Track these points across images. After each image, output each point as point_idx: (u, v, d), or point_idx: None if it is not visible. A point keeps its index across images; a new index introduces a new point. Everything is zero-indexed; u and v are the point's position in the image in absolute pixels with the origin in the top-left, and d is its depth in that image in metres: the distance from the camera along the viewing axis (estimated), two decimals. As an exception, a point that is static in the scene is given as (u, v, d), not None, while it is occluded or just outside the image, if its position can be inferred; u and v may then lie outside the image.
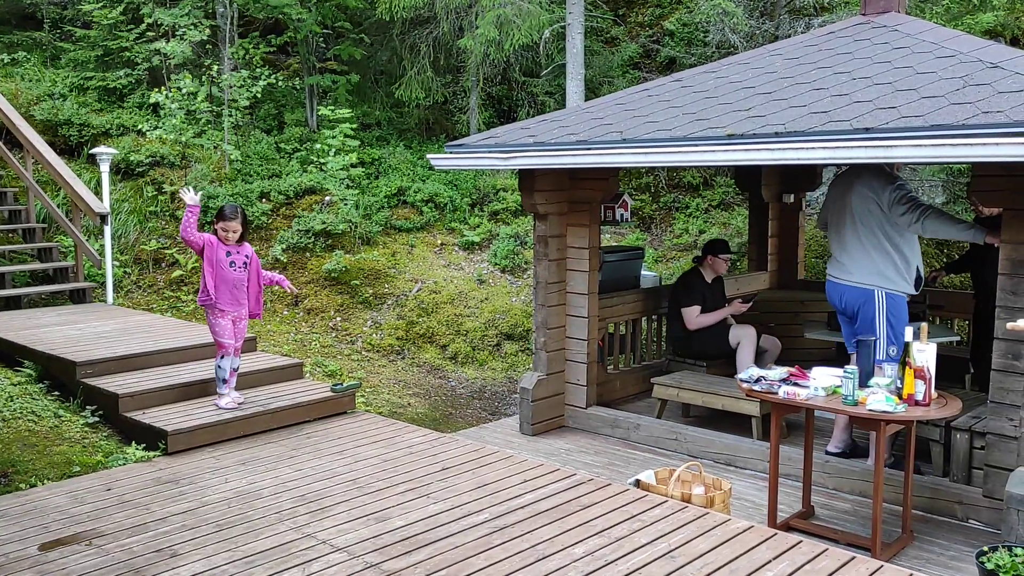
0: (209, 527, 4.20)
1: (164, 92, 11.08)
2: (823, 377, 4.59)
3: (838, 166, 10.58)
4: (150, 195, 10.56)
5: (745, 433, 6.02)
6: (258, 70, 11.77)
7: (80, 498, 4.60)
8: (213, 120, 11.46)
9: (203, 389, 6.12)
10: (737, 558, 3.81)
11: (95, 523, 4.26)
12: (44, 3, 13.50)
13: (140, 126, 11.18)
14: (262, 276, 5.96)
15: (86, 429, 5.72)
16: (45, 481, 4.95)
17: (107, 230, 8.79)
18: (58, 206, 9.37)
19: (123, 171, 10.72)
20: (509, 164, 5.98)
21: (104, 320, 7.73)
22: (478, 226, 11.23)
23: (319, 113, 11.82)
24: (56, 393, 6.20)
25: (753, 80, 5.71)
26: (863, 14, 6.30)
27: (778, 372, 4.77)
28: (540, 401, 6.50)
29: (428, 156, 6.70)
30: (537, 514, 4.33)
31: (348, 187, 10.73)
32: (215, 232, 5.71)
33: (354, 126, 11.15)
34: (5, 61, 12.41)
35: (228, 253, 5.72)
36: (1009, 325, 4.13)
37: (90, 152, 10.12)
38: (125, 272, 9.65)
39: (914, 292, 5.28)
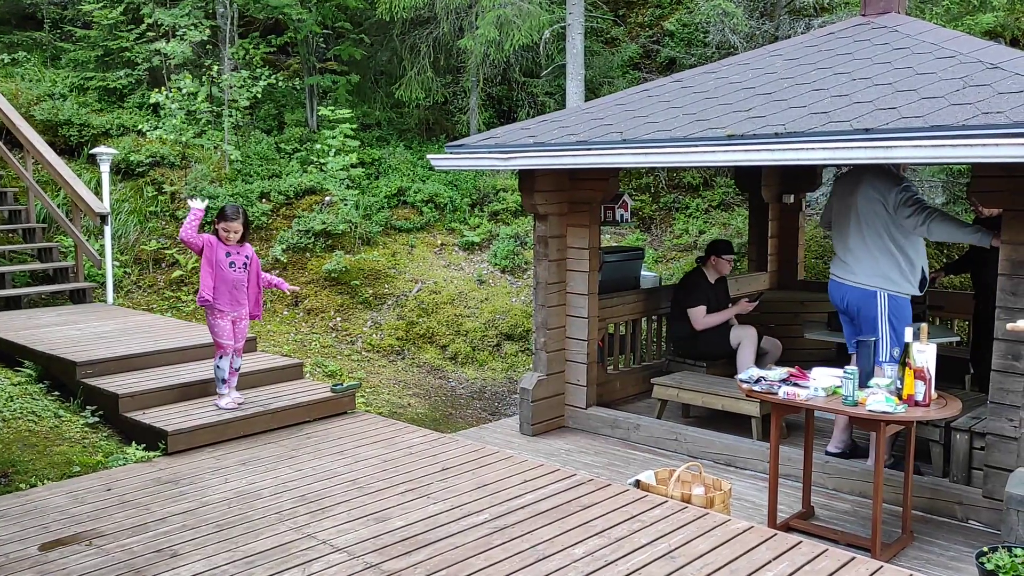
0: (209, 527, 4.20)
1: (164, 92, 11.08)
2: (823, 378, 4.59)
3: (838, 166, 10.59)
4: (150, 195, 10.57)
5: (745, 433, 6.03)
6: (258, 70, 11.77)
7: (80, 498, 4.60)
8: (213, 120, 11.46)
9: (203, 389, 6.12)
10: (737, 558, 3.81)
11: (95, 523, 4.26)
12: (44, 3, 13.50)
13: (140, 126, 11.19)
14: (262, 278, 5.96)
15: (86, 429, 5.72)
16: (45, 481, 4.95)
17: (107, 230, 8.80)
18: (58, 206, 9.37)
19: (123, 171, 10.72)
20: (509, 164, 5.98)
21: (104, 320, 7.73)
22: (478, 226, 11.23)
23: (319, 113, 11.82)
24: (56, 393, 6.20)
25: (753, 81, 5.71)
26: (863, 15, 6.30)
27: (778, 373, 4.77)
28: (540, 401, 6.50)
29: (428, 156, 6.70)
30: (537, 514, 4.33)
31: (348, 187, 10.73)
32: (216, 232, 5.70)
33: (354, 126, 11.15)
34: (5, 61, 12.42)
35: (228, 254, 5.72)
36: (1009, 326, 4.13)
37: (90, 152, 10.12)
38: (125, 272, 9.65)
39: (918, 293, 5.26)
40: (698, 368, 7.00)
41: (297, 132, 12.25)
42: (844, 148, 4.38)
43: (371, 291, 10.05)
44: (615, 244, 10.72)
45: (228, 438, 5.62)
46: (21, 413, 5.74)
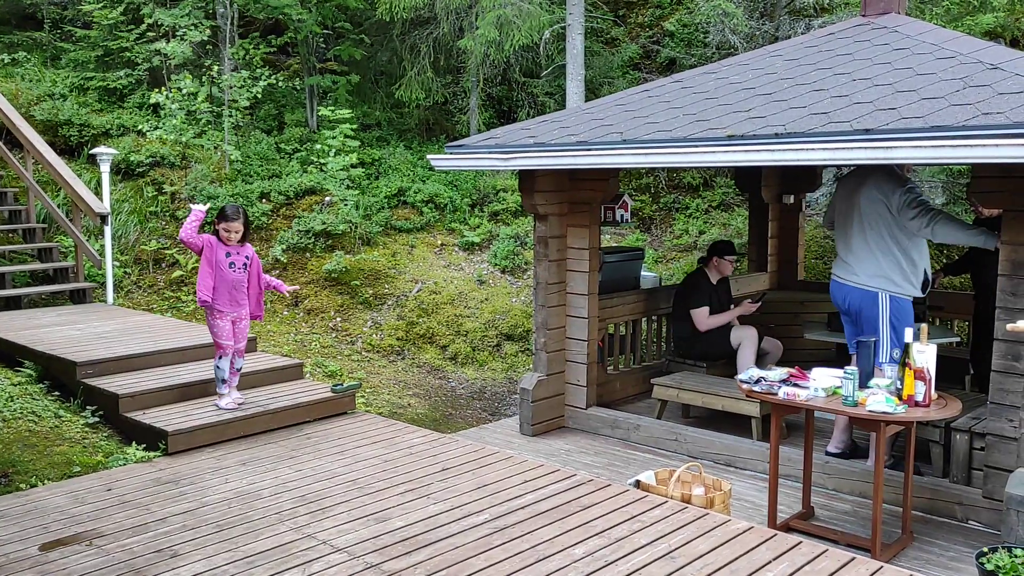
0: (209, 527, 4.20)
1: (164, 92, 11.09)
2: (823, 378, 4.59)
3: (839, 167, 10.59)
4: (150, 195, 10.57)
5: (745, 434, 6.03)
6: (258, 70, 11.77)
7: (80, 498, 4.60)
8: (213, 120, 11.47)
9: (203, 389, 6.13)
10: (737, 559, 3.81)
11: (95, 523, 4.26)
12: (44, 3, 13.51)
13: (140, 126, 11.19)
14: (262, 279, 5.96)
15: (86, 429, 5.72)
16: (45, 481, 4.95)
17: (107, 230, 8.80)
18: (58, 206, 9.38)
19: (123, 171, 10.72)
20: (509, 165, 5.98)
21: (104, 320, 7.73)
22: (478, 227, 11.23)
23: (319, 113, 11.82)
24: (56, 393, 6.20)
25: (753, 81, 5.71)
26: (863, 15, 6.30)
27: (778, 373, 4.77)
28: (540, 402, 6.50)
29: (428, 157, 6.70)
30: (537, 514, 4.33)
31: (348, 187, 10.73)
32: (216, 233, 5.70)
33: (354, 126, 11.15)
34: (5, 61, 12.42)
35: (228, 254, 5.71)
36: (1009, 326, 4.13)
37: (90, 152, 10.12)
38: (125, 272, 9.65)
39: (920, 295, 5.25)
40: (698, 368, 7.00)
41: (297, 132, 12.25)
42: (844, 149, 4.38)
43: (371, 291, 10.05)
44: (615, 244, 10.72)
45: (228, 438, 5.62)
46: (21, 413, 5.74)
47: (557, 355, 6.57)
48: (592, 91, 12.12)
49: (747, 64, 6.16)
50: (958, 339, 6.72)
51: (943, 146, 4.06)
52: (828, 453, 5.54)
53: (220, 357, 5.82)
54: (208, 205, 5.79)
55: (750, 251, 8.64)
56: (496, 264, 10.68)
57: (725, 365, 6.98)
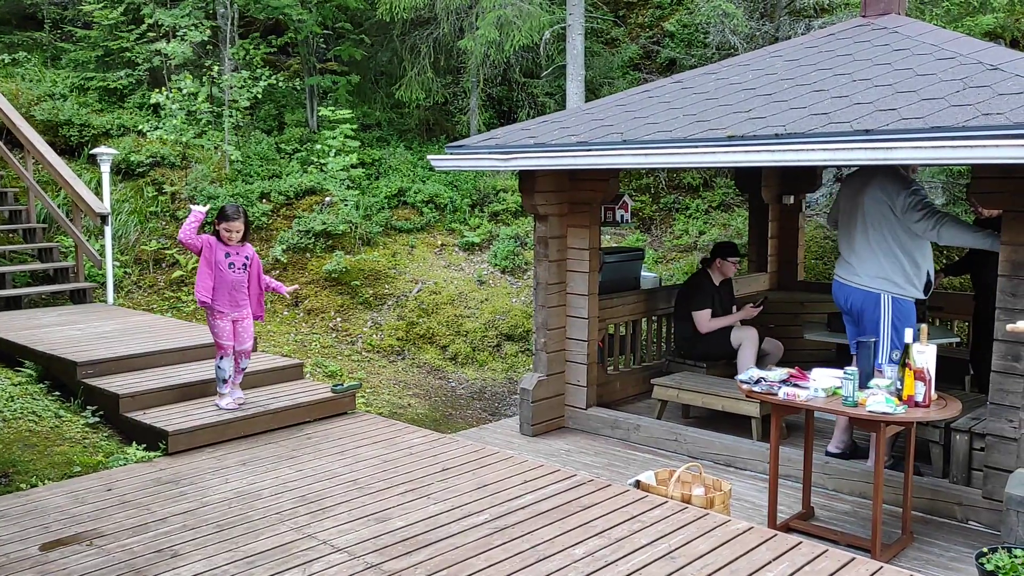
0: (210, 527, 4.20)
1: (165, 93, 11.09)
2: (823, 378, 4.59)
3: (839, 167, 10.58)
4: (150, 195, 10.57)
5: (745, 434, 6.03)
6: (258, 71, 11.77)
7: (81, 498, 4.61)
8: (213, 121, 11.47)
9: (203, 389, 6.13)
10: (737, 559, 3.81)
11: (96, 523, 4.26)
12: (45, 3, 13.51)
13: (141, 126, 11.19)
14: (263, 280, 5.95)
15: (86, 429, 5.72)
16: (46, 481, 4.96)
17: (107, 230, 8.80)
18: (58, 206, 9.38)
19: (123, 171, 10.73)
20: (509, 165, 5.98)
21: (104, 320, 7.74)
22: (478, 227, 11.24)
23: (319, 114, 11.83)
24: (57, 393, 6.20)
25: (753, 82, 5.72)
26: (863, 16, 6.31)
27: (778, 373, 4.77)
28: (540, 402, 6.51)
29: (428, 157, 6.71)
30: (537, 515, 4.33)
31: (348, 188, 10.74)
32: (216, 233, 5.69)
33: (354, 127, 11.16)
34: (6, 61, 12.42)
35: (227, 255, 5.70)
36: (1009, 327, 4.14)
37: (90, 152, 10.13)
38: (125, 272, 9.65)
39: (923, 297, 5.24)
40: (698, 369, 7.00)
41: (297, 132, 12.25)
42: (844, 149, 4.39)
43: (371, 291, 10.05)
44: (615, 245, 10.73)
45: (228, 438, 5.62)
46: (22, 413, 5.74)
47: (557, 355, 6.57)
48: (592, 91, 12.12)
49: (747, 65, 6.16)
50: (958, 339, 6.72)
51: (943, 147, 4.07)
52: (828, 453, 5.54)
53: (221, 357, 5.82)
54: (208, 206, 5.78)
55: (750, 251, 8.64)
56: (496, 264, 10.68)
57: (725, 365, 6.98)
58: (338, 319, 9.71)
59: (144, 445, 5.43)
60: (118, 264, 9.50)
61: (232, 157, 11.05)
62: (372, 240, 10.67)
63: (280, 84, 12.07)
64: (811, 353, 7.65)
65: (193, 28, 11.49)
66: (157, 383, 6.05)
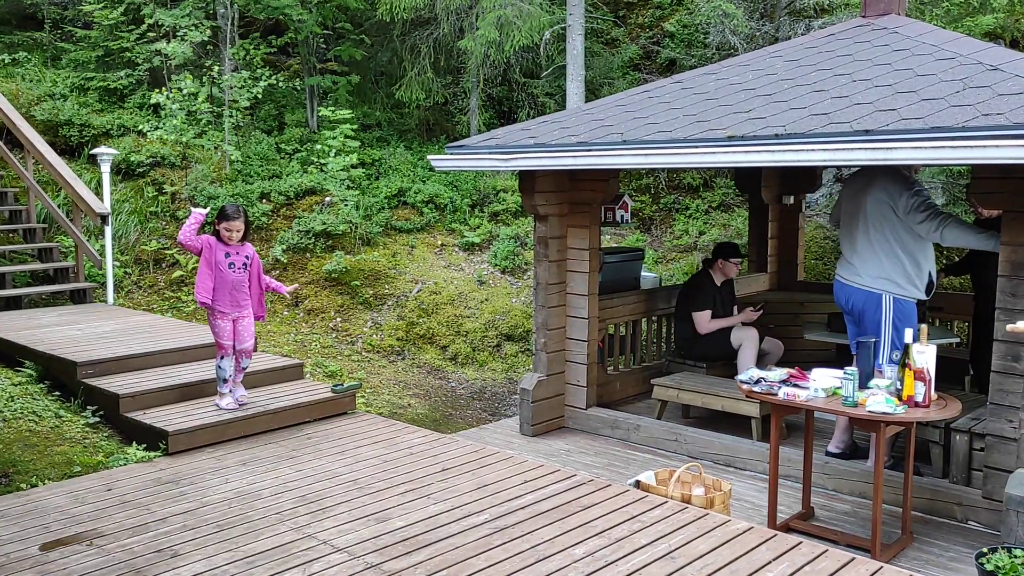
0: (210, 527, 4.20)
1: (165, 93, 11.09)
2: (823, 378, 4.59)
3: (839, 168, 10.58)
4: (151, 195, 10.58)
5: (745, 434, 6.03)
6: (259, 71, 11.78)
7: (81, 498, 4.61)
8: (214, 121, 11.47)
9: (203, 389, 6.13)
10: (737, 559, 3.82)
11: (96, 523, 4.26)
12: (45, 3, 13.51)
13: (141, 127, 11.20)
14: (263, 280, 5.94)
15: (87, 429, 5.72)
16: (46, 481, 4.96)
17: (107, 230, 8.80)
18: (59, 206, 9.38)
19: (124, 171, 10.73)
20: (509, 165, 5.99)
21: (105, 320, 7.74)
22: (478, 227, 11.24)
23: (319, 114, 11.83)
24: (57, 393, 6.20)
25: (753, 82, 5.72)
26: (863, 16, 6.31)
27: (778, 373, 4.78)
28: (540, 402, 6.51)
29: (428, 157, 6.71)
30: (537, 515, 4.33)
31: (348, 188, 10.74)
32: (216, 232, 5.68)
33: (354, 127, 11.16)
34: (6, 61, 12.43)
35: (227, 254, 5.69)
36: (1009, 327, 4.14)
37: (91, 152, 10.13)
38: (125, 272, 9.65)
39: (924, 298, 5.23)
40: (698, 369, 7.00)
41: (297, 132, 12.26)
42: (844, 150, 4.39)
43: (371, 291, 10.05)
44: (615, 245, 10.73)
45: (228, 438, 5.63)
46: (22, 413, 5.74)
47: (557, 355, 6.57)
48: (592, 92, 12.13)
49: (747, 65, 6.17)
50: (958, 340, 6.72)
51: (943, 147, 4.07)
52: (828, 453, 5.54)
53: (221, 357, 5.82)
54: (208, 208, 5.77)
55: (750, 252, 8.65)
56: (496, 264, 10.69)
57: (725, 366, 6.98)
58: (338, 319, 9.71)
59: (144, 445, 5.43)
60: (118, 264, 9.51)
61: (232, 157, 11.05)
62: (372, 240, 10.67)
63: (280, 84, 12.08)
64: (811, 353, 7.66)
65: (193, 28, 11.49)
66: (157, 383, 6.05)
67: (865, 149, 4.31)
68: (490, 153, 6.07)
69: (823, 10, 11.51)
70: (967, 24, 10.03)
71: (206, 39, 11.62)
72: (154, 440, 5.43)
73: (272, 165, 11.46)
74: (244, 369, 5.98)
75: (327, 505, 4.48)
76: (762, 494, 5.20)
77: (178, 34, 11.71)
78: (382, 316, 9.84)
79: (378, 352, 9.37)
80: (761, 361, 6.80)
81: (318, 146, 11.18)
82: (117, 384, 5.97)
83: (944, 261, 9.40)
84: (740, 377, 4.91)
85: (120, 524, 4.24)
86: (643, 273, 7.87)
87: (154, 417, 5.63)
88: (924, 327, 4.39)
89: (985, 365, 5.13)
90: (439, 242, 11.10)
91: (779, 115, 4.95)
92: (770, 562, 3.79)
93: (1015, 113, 3.99)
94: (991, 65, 4.75)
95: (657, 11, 14.12)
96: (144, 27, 11.99)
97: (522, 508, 4.42)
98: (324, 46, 13.08)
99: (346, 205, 10.48)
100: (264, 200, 10.83)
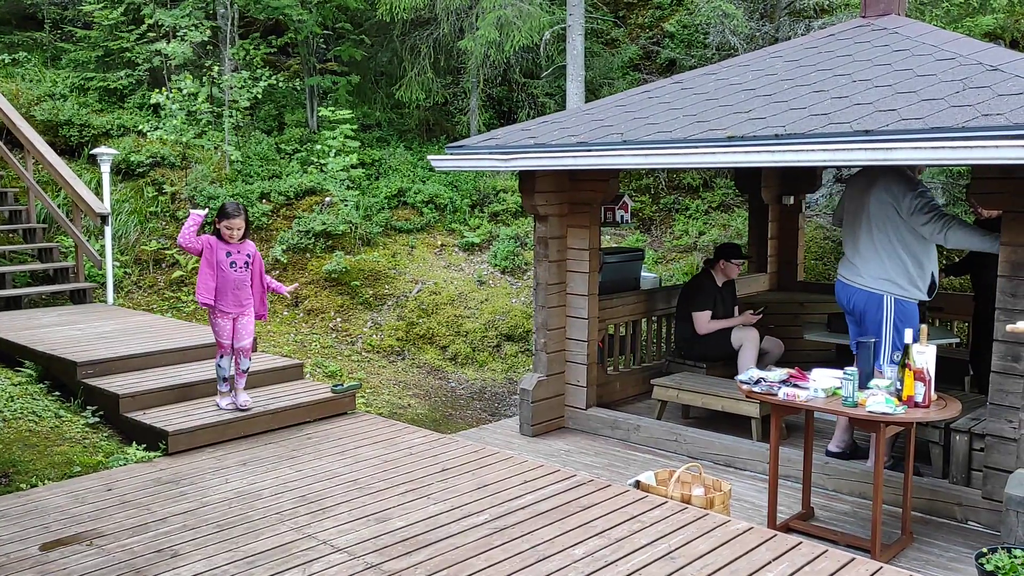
0: (210, 527, 4.20)
1: (165, 93, 11.09)
2: (823, 379, 4.59)
3: (839, 168, 10.58)
4: (150, 196, 10.58)
5: (745, 434, 6.03)
6: (259, 71, 11.78)
7: (81, 498, 4.61)
8: (214, 121, 11.47)
9: (203, 389, 6.13)
10: (737, 559, 3.82)
11: (96, 523, 4.26)
12: (45, 3, 13.51)
13: (141, 127, 11.20)
14: (265, 279, 5.93)
15: (87, 429, 5.72)
16: (46, 481, 4.96)
17: (107, 230, 8.80)
18: (59, 206, 9.38)
19: (124, 172, 10.73)
20: (509, 165, 5.99)
21: (104, 320, 7.74)
22: (478, 227, 11.24)
23: (319, 114, 11.83)
24: (57, 393, 6.20)
25: (753, 82, 5.72)
26: (863, 16, 6.31)
27: (778, 374, 4.78)
28: (540, 402, 6.51)
29: (428, 157, 6.71)
30: (537, 515, 4.33)
31: (348, 188, 10.74)
32: (217, 232, 5.66)
33: (354, 127, 11.16)
34: (6, 61, 12.43)
35: (228, 253, 5.67)
36: (1008, 327, 4.14)
37: (91, 152, 10.13)
38: (125, 272, 9.65)
39: (926, 299, 5.23)
40: (698, 369, 7.00)
41: (297, 133, 12.26)
42: (844, 150, 4.39)
43: (371, 292, 10.05)
44: (615, 245, 10.73)
45: (228, 438, 5.63)
46: (22, 413, 5.74)
47: (557, 356, 6.58)
48: (592, 92, 12.13)
49: (747, 65, 6.17)
50: (958, 340, 6.73)
51: (943, 147, 4.07)
52: (828, 452, 5.54)
53: (220, 356, 5.81)
54: (207, 209, 5.74)
55: (750, 252, 8.65)
56: (496, 265, 10.69)
57: (725, 366, 6.98)
58: (338, 319, 9.71)
59: (144, 445, 5.43)
60: (118, 264, 9.51)
61: (232, 157, 11.05)
62: (372, 240, 10.68)
63: (280, 84, 12.08)
64: (811, 353, 7.66)
65: (193, 28, 11.50)
66: (157, 383, 6.05)
67: (865, 149, 4.31)
68: (490, 153, 6.07)
69: (823, 10, 11.52)
70: (967, 24, 10.04)
71: (206, 39, 11.62)
72: (154, 440, 5.43)
73: (272, 165, 11.46)
74: (245, 372, 5.90)
75: (327, 505, 4.48)
76: (762, 494, 5.20)
77: (178, 34, 11.71)
78: (382, 316, 9.84)
79: (378, 352, 9.37)
80: (761, 360, 6.80)
81: (318, 146, 11.18)
82: (117, 384, 5.97)
83: (944, 261, 9.41)
84: (740, 377, 4.91)
85: (120, 524, 4.25)
86: (643, 273, 7.87)
87: (154, 417, 5.63)
88: (924, 327, 4.39)
89: (985, 365, 5.13)
90: (439, 242, 11.11)
91: (779, 115, 4.96)
92: (770, 562, 3.79)
93: (1015, 113, 3.99)
94: (991, 65, 4.75)
95: (657, 11, 14.13)
96: (144, 27, 11.99)
97: (522, 508, 4.42)
98: (324, 46, 13.08)
99: (346, 205, 10.48)
100: (264, 200, 10.83)
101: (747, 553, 3.88)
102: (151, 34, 11.95)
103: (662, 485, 4.75)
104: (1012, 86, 4.38)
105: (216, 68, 11.39)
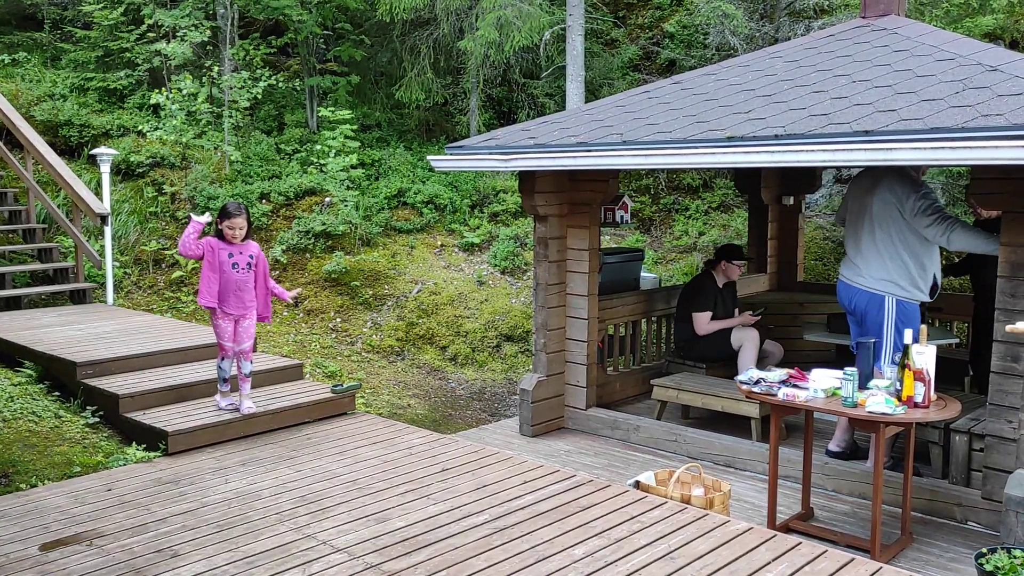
0: (209, 527, 4.20)
1: (164, 93, 11.10)
2: (822, 379, 4.59)
3: (839, 168, 10.58)
4: (150, 196, 10.58)
5: (744, 435, 6.03)
6: (258, 71, 11.78)
7: (80, 498, 4.61)
8: (213, 121, 11.47)
9: (203, 389, 6.13)
10: (737, 559, 3.82)
11: (96, 523, 4.26)
12: (45, 4, 13.51)
13: (140, 127, 11.20)
14: (269, 281, 5.89)
15: (86, 429, 5.72)
16: (45, 481, 4.96)
17: (107, 231, 8.80)
18: (58, 207, 9.38)
19: (123, 172, 10.74)
20: (509, 166, 5.99)
21: (104, 320, 7.74)
22: (478, 227, 11.24)
23: (319, 114, 11.83)
24: (56, 394, 6.20)
25: (753, 83, 5.72)
26: (863, 17, 6.31)
27: (777, 374, 4.78)
28: (540, 402, 6.51)
29: (428, 157, 6.71)
30: (537, 515, 4.33)
31: (348, 188, 10.74)
32: (219, 232, 5.64)
33: (354, 127, 11.16)
34: (6, 62, 12.43)
35: (230, 255, 5.63)
36: (1008, 328, 4.14)
37: (90, 153, 10.13)
38: (125, 273, 9.65)
39: (928, 300, 5.22)
40: (698, 369, 7.00)
41: (297, 133, 12.26)
42: (844, 150, 4.39)
43: (371, 292, 10.06)
44: (615, 245, 10.73)
45: (228, 438, 5.62)
46: (21, 413, 5.74)
47: (557, 356, 6.58)
48: (592, 92, 12.13)
49: (747, 66, 6.17)
50: (957, 340, 6.73)
51: (943, 148, 4.07)
52: (829, 452, 5.54)
53: (222, 358, 5.78)
54: (208, 216, 5.69)
55: (750, 252, 8.65)
56: (496, 265, 10.69)
57: (725, 366, 6.99)
58: (338, 319, 9.71)
59: (144, 445, 5.43)
60: (118, 264, 9.51)
61: (232, 157, 11.05)
62: (372, 241, 10.68)
63: (280, 85, 12.08)
64: (810, 354, 7.66)
65: (193, 28, 11.50)
66: (157, 383, 6.05)
67: (865, 150, 4.31)
68: (490, 153, 6.07)
69: (823, 11, 11.52)
70: (967, 25, 10.04)
71: (206, 39, 11.63)
72: (154, 440, 5.43)
73: (272, 165, 11.46)
74: (249, 377, 5.82)
75: (327, 505, 4.48)
76: (762, 495, 5.20)
77: (178, 34, 11.71)
78: (382, 316, 9.84)
79: (378, 352, 9.37)
80: (761, 363, 6.80)
81: (318, 146, 11.19)
82: (117, 384, 5.97)
83: (944, 262, 9.42)
84: (740, 378, 4.92)
85: (120, 524, 4.25)
86: (643, 274, 7.87)
87: (154, 417, 5.63)
88: (924, 328, 4.40)
89: (985, 366, 5.13)
90: (439, 242, 11.11)
91: (779, 116, 4.96)
92: (770, 562, 3.79)
93: (1015, 114, 3.99)
94: (991, 66, 4.76)
95: (657, 12, 14.13)
96: (144, 27, 12.00)
97: (522, 508, 4.42)
98: (324, 46, 13.09)
99: (346, 205, 10.48)
100: (264, 200, 10.83)
101: (747, 553, 3.88)
102: (151, 34, 11.95)
103: (662, 485, 4.75)
104: (1012, 86, 4.38)
105: (216, 68, 11.39)
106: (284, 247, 10.23)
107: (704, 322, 6.86)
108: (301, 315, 9.71)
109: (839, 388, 4.49)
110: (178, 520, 4.30)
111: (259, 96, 11.56)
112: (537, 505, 4.47)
